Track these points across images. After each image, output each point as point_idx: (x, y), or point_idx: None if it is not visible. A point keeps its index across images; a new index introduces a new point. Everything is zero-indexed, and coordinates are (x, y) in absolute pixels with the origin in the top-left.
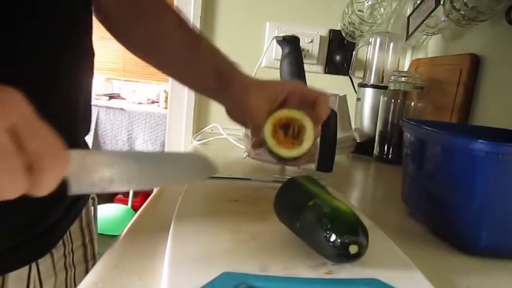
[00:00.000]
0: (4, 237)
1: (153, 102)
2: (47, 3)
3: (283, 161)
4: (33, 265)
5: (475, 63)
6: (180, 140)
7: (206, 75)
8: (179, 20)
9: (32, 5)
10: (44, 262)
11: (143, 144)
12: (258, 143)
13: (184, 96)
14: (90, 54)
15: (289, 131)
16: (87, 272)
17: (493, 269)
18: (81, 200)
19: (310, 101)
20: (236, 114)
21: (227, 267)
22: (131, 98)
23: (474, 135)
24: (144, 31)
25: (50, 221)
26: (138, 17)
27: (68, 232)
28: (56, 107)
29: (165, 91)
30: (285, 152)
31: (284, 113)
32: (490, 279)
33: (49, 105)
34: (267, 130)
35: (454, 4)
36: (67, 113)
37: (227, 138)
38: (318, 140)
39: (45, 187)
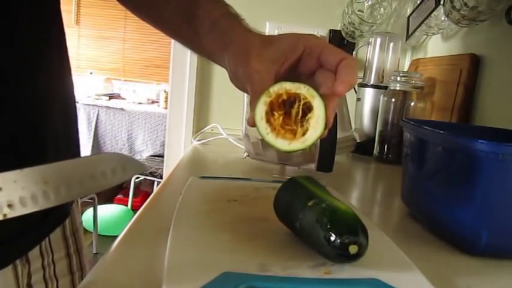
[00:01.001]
0: None
1: (153, 102)
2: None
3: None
4: None
5: (475, 63)
6: (180, 140)
7: (204, 33)
8: None
9: None
10: (3, 276)
11: (143, 144)
12: (253, 120)
13: (184, 96)
14: (61, 49)
15: (292, 112)
16: (73, 284)
17: (493, 269)
18: (53, 213)
19: (331, 66)
20: (237, 80)
21: (227, 267)
22: (131, 98)
23: (474, 135)
24: None
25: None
26: None
27: (47, 241)
28: (15, 120)
29: (165, 91)
30: (282, 144)
31: (285, 87)
32: (490, 279)
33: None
34: (259, 110)
35: (454, 4)
36: (32, 126)
37: (227, 138)
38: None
39: None
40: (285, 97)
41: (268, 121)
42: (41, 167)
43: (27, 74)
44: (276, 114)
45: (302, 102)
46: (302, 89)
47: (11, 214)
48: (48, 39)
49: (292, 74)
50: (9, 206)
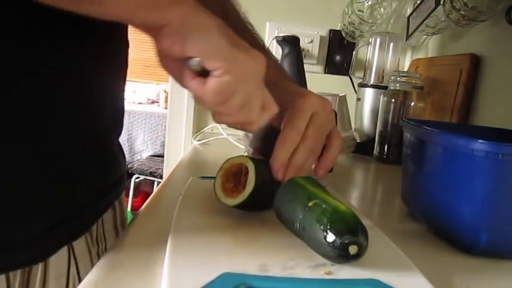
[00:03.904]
0: (39, 217)
1: (153, 102)
2: None
3: (238, 207)
4: (72, 262)
5: (475, 63)
6: (180, 140)
7: None
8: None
9: None
10: (83, 259)
11: (143, 144)
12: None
13: (184, 96)
14: (120, 46)
15: (242, 179)
16: None
17: (493, 269)
18: (112, 190)
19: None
20: None
21: (227, 267)
22: (131, 98)
23: (474, 135)
24: None
25: (79, 203)
26: None
27: (102, 230)
28: (79, 106)
29: (165, 91)
30: (230, 201)
31: (231, 162)
32: (490, 279)
33: (68, 103)
34: (217, 182)
35: (454, 4)
36: (92, 114)
37: (227, 138)
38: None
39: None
40: (234, 169)
41: (224, 189)
42: None
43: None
44: (229, 181)
45: (244, 170)
46: (241, 159)
47: None
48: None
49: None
50: None
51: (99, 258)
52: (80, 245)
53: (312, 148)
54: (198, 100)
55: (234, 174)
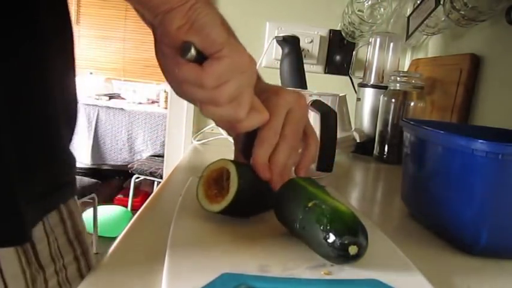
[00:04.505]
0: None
1: (153, 102)
2: None
3: (224, 213)
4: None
5: (475, 63)
6: (180, 140)
7: None
8: None
9: None
10: (15, 281)
11: (143, 144)
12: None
13: None
14: (66, 33)
15: (224, 183)
16: None
17: (493, 269)
18: (55, 193)
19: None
20: None
21: (227, 268)
22: (131, 98)
23: (474, 135)
24: None
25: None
26: None
27: (56, 247)
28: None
29: (165, 91)
30: (215, 207)
31: (211, 168)
32: (490, 279)
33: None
34: (199, 191)
35: (454, 4)
36: (37, 116)
37: (227, 138)
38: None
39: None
40: (215, 175)
41: (207, 197)
42: None
43: (33, 73)
44: (212, 187)
45: (225, 173)
46: (222, 164)
47: None
48: (54, 36)
49: None
50: None
51: (58, 276)
52: (11, 266)
53: (291, 145)
54: (190, 86)
55: (215, 180)
